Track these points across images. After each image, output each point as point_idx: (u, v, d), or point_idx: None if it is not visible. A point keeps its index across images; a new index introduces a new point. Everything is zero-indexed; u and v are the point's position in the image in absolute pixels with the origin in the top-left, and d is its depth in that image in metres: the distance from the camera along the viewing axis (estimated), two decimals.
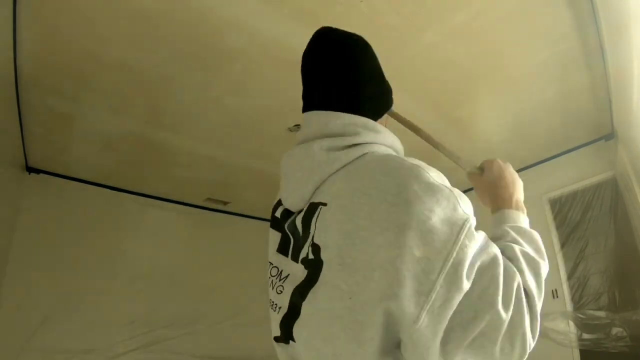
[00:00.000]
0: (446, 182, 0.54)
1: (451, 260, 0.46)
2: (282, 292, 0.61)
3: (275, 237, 0.70)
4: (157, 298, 3.26)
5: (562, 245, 2.89)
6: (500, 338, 0.48)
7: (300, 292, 0.56)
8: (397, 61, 1.96)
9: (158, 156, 2.80)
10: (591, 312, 2.62)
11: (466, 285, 0.46)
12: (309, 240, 0.57)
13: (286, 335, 0.58)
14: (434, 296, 0.45)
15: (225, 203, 3.75)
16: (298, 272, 0.59)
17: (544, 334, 2.77)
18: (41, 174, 2.88)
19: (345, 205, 0.53)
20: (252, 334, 3.32)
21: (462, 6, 1.68)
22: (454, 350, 0.48)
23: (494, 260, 0.50)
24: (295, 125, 2.49)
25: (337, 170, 0.59)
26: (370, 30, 1.79)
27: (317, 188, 0.61)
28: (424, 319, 0.45)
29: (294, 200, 0.64)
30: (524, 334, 0.49)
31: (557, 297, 2.81)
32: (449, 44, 1.88)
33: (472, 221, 0.50)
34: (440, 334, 0.46)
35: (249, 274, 3.41)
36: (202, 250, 3.64)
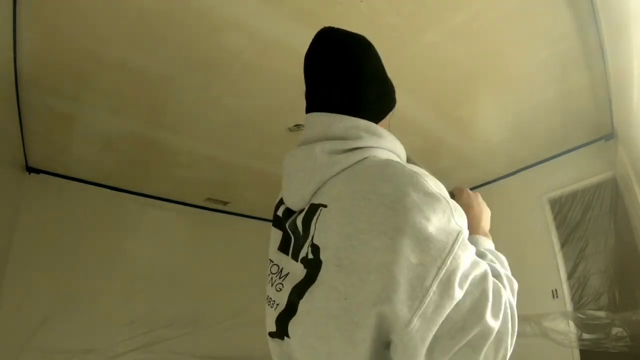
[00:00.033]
0: (444, 192, 0.55)
1: (445, 268, 0.48)
2: (281, 289, 0.62)
3: (276, 235, 0.71)
4: (157, 298, 3.26)
5: (562, 245, 2.89)
6: (485, 347, 0.49)
7: (298, 291, 0.57)
8: (397, 61, 1.96)
9: (158, 156, 2.80)
10: (591, 312, 2.62)
11: (458, 293, 0.48)
12: (309, 240, 0.58)
13: (281, 331, 0.60)
14: (426, 302, 0.47)
15: (225, 203, 3.75)
16: (297, 270, 0.60)
17: (544, 334, 2.77)
18: (41, 174, 2.88)
19: (345, 208, 0.55)
20: (252, 334, 3.31)
21: (462, 6, 1.68)
22: (440, 358, 0.49)
23: (484, 275, 0.52)
24: (296, 125, 2.49)
25: (337, 173, 0.60)
26: (370, 30, 1.78)
27: (318, 189, 0.62)
28: (415, 323, 0.47)
29: (295, 200, 0.66)
30: (506, 347, 0.51)
31: (557, 297, 2.81)
32: (449, 44, 1.88)
33: (465, 233, 0.53)
34: (429, 340, 0.48)
35: (249, 274, 3.41)
36: (202, 250, 3.64)
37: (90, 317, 2.87)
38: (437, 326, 0.48)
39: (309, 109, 0.71)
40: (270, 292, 0.66)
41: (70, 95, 2.10)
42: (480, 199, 0.78)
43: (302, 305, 0.56)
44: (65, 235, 2.93)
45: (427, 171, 0.59)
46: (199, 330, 3.37)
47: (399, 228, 0.48)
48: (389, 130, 0.70)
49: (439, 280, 0.47)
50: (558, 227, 2.94)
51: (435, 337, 0.48)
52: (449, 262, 0.48)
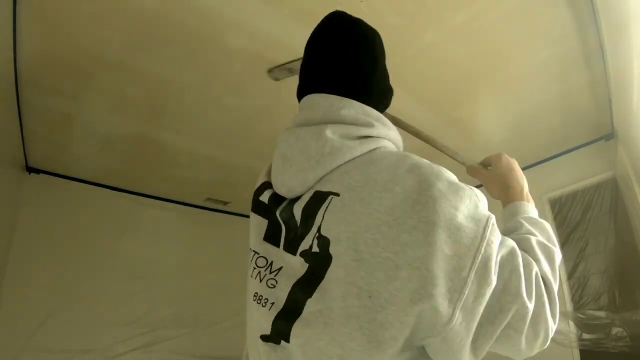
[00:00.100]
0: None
1: (480, 256, 0.46)
2: (275, 286, 0.57)
3: (260, 223, 0.65)
4: (157, 298, 3.25)
5: (562, 245, 2.89)
6: (525, 327, 0.49)
7: (303, 289, 0.52)
8: (397, 61, 1.96)
9: (158, 156, 2.80)
10: (591, 312, 2.61)
11: (494, 279, 0.47)
12: (314, 231, 0.53)
13: (278, 334, 0.54)
14: (466, 292, 0.45)
15: (225, 203, 3.75)
16: (295, 265, 0.55)
17: None
18: (41, 174, 2.88)
19: (363, 198, 0.51)
20: None
21: (462, 6, 1.68)
22: (484, 345, 0.48)
23: (512, 252, 0.51)
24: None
25: (349, 160, 0.57)
26: None
27: (325, 176, 0.57)
28: (458, 316, 0.45)
29: (292, 185, 0.60)
30: (546, 321, 0.51)
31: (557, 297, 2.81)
32: (449, 44, 1.88)
33: (493, 218, 0.51)
34: (473, 330, 0.47)
35: None
36: (202, 250, 3.64)
37: (90, 317, 2.87)
38: (480, 315, 0.46)
39: (308, 89, 0.67)
40: (259, 288, 0.59)
41: (70, 95, 2.10)
42: (517, 163, 0.76)
43: (311, 304, 0.50)
44: (65, 235, 2.93)
45: None
46: (199, 330, 3.37)
47: (431, 220, 0.46)
48: None
49: (475, 269, 0.46)
50: (558, 227, 2.94)
51: (477, 326, 0.47)
52: (482, 249, 0.46)
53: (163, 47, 1.82)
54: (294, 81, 0.80)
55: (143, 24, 1.68)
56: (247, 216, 0.68)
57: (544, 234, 0.61)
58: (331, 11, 0.74)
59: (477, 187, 0.55)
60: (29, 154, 2.68)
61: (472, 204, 0.49)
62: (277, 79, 0.85)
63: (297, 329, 0.51)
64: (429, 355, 0.49)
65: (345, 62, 0.65)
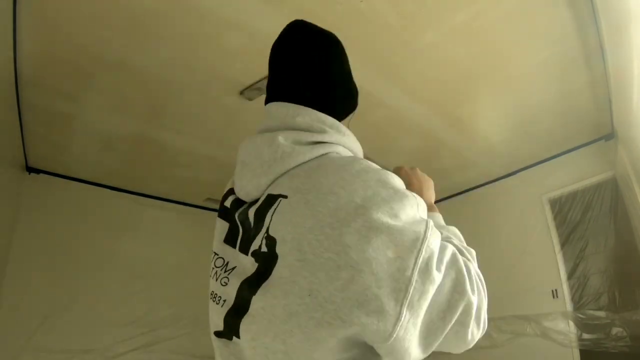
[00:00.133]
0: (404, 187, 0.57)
1: (421, 256, 0.49)
2: (227, 284, 0.60)
3: (222, 226, 0.69)
4: (157, 298, 3.26)
5: (562, 245, 2.89)
6: (471, 322, 0.52)
7: (250, 286, 0.54)
8: (397, 61, 1.96)
9: (158, 156, 2.80)
10: (591, 312, 2.62)
11: (437, 277, 0.49)
12: (263, 232, 0.56)
13: (231, 330, 0.57)
14: (411, 291, 0.47)
15: None
16: (247, 264, 0.57)
17: (544, 334, 2.77)
18: (41, 174, 2.88)
19: (308, 200, 0.52)
20: None
21: (462, 6, 1.68)
22: (434, 341, 0.51)
23: (454, 255, 0.55)
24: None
25: (299, 165, 0.59)
26: (370, 30, 1.79)
27: (276, 180, 0.59)
28: (405, 314, 0.47)
29: (249, 189, 0.63)
30: (485, 317, 0.55)
31: (557, 297, 2.81)
32: (449, 44, 1.88)
33: (432, 222, 0.54)
34: (419, 326, 0.49)
35: None
36: (202, 250, 3.62)
37: (90, 317, 2.87)
38: (424, 311, 0.49)
39: (271, 99, 0.69)
40: (215, 286, 0.64)
41: (70, 95, 2.10)
42: (418, 172, 0.79)
43: (256, 301, 0.53)
44: (66, 235, 2.93)
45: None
46: (199, 330, 3.37)
47: (373, 226, 0.48)
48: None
49: (418, 268, 0.48)
50: (558, 227, 2.94)
51: (426, 323, 0.49)
52: (423, 250, 0.49)
53: (163, 47, 1.82)
54: None
55: (143, 24, 1.68)
56: None
57: (457, 237, 0.66)
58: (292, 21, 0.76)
59: None
60: (29, 154, 2.69)
61: (413, 209, 0.52)
62: (250, 99, 0.85)
63: (244, 325, 0.54)
64: (378, 353, 0.51)
65: (305, 72, 0.67)
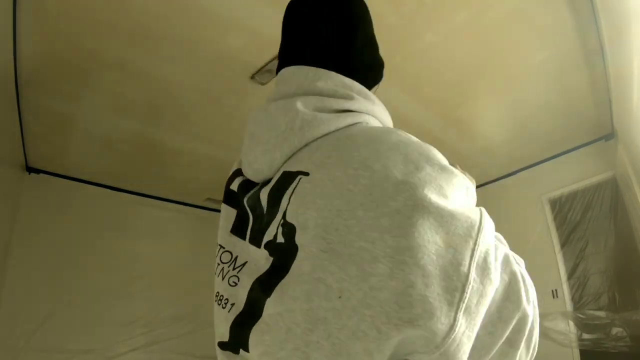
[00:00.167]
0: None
1: (478, 249, 0.38)
2: (236, 284, 0.48)
3: (229, 214, 0.56)
4: (157, 298, 3.26)
5: (562, 245, 2.89)
6: (522, 342, 0.41)
7: (263, 286, 0.44)
8: (397, 61, 1.96)
9: (158, 156, 2.80)
10: (591, 312, 2.62)
11: (495, 277, 0.39)
12: (279, 218, 0.45)
13: (237, 341, 0.45)
14: (468, 291, 0.36)
15: None
16: (260, 259, 0.46)
17: (544, 334, 2.77)
18: (41, 174, 2.88)
19: (335, 177, 0.42)
20: None
21: (462, 6, 1.68)
22: None
23: (507, 256, 0.44)
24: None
25: (322, 136, 0.48)
26: None
27: (294, 154, 0.49)
28: (461, 322, 0.36)
29: (260, 167, 0.52)
30: (537, 335, 0.43)
31: (557, 297, 2.81)
32: (449, 43, 1.88)
33: (484, 210, 0.44)
34: (472, 341, 0.38)
35: None
36: (202, 250, 3.63)
37: (90, 317, 2.87)
38: (481, 321, 0.38)
39: (285, 64, 0.58)
40: (221, 287, 0.51)
41: (70, 95, 2.10)
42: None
43: (270, 305, 0.42)
44: (65, 235, 2.93)
45: None
46: (199, 330, 3.37)
47: (418, 204, 0.38)
48: None
49: (475, 262, 0.38)
50: (558, 227, 2.94)
51: (475, 337, 0.38)
52: (480, 240, 0.39)
53: (163, 47, 1.82)
54: None
55: (143, 24, 1.68)
56: None
57: (504, 244, 0.54)
58: None
59: None
60: (29, 154, 2.68)
61: (462, 193, 0.43)
62: (262, 84, 0.83)
63: (255, 336, 0.43)
64: None
65: (325, 33, 0.56)
